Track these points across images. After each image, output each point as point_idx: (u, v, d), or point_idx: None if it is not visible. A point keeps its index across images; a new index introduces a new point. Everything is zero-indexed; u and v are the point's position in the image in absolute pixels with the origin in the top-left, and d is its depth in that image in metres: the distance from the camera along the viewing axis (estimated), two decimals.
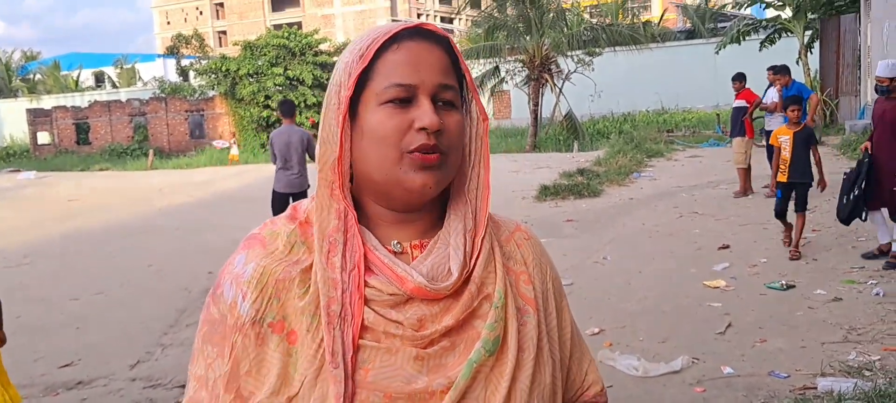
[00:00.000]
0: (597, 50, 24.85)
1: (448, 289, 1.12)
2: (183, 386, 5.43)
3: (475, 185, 1.20)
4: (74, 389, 5.63)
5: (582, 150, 21.83)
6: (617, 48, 25.23)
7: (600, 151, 19.71)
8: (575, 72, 24.60)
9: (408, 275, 1.11)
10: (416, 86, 1.11)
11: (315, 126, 29.09)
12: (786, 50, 23.46)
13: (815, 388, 4.64)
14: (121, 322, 7.28)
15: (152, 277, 9.12)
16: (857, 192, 7.32)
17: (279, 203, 9.09)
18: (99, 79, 54.36)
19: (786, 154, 7.92)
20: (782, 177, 7.92)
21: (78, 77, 52.61)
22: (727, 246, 8.49)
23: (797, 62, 22.59)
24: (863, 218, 7.42)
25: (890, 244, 7.23)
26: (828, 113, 21.93)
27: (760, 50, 22.99)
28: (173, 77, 44.78)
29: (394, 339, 1.10)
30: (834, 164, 14.56)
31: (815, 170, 8.04)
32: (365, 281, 1.11)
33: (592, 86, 25.69)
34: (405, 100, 1.11)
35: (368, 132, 1.11)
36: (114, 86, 49.71)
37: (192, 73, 39.62)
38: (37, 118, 37.94)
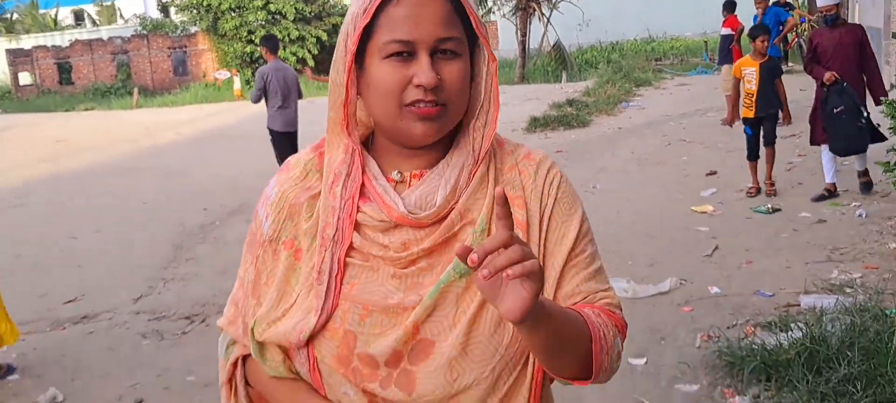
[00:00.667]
0: None
1: (429, 218, 1.21)
2: (187, 317, 5.59)
3: (483, 122, 1.26)
4: (80, 323, 5.76)
5: (571, 81, 21.82)
6: None
7: (589, 81, 19.74)
8: (562, 1, 24.41)
9: (394, 204, 1.21)
10: (415, 41, 1.16)
11: (300, 62, 28.88)
12: None
13: (799, 305, 4.83)
14: (120, 258, 7.39)
15: (147, 215, 9.20)
16: (864, 120, 6.89)
17: (289, 143, 8.79)
18: (79, 17, 53.44)
19: (751, 86, 7.51)
20: (749, 112, 7.52)
21: (56, 15, 51.72)
22: (715, 173, 8.64)
23: None
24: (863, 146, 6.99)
25: (834, 184, 7.20)
26: None
27: None
28: (154, 13, 44.12)
29: (377, 259, 1.22)
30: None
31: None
32: (358, 208, 1.23)
33: (580, 15, 25.51)
34: (406, 54, 1.16)
35: (373, 84, 1.19)
36: (94, 24, 48.93)
37: (172, 10, 39.02)
38: (17, 58, 37.37)
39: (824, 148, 7.18)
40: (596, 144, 11.51)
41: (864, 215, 6.57)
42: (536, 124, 13.35)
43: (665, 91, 17.46)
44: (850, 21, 19.10)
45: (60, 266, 7.34)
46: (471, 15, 1.21)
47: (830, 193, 7.18)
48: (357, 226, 1.23)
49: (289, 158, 1.36)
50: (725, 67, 12.10)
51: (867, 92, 7.15)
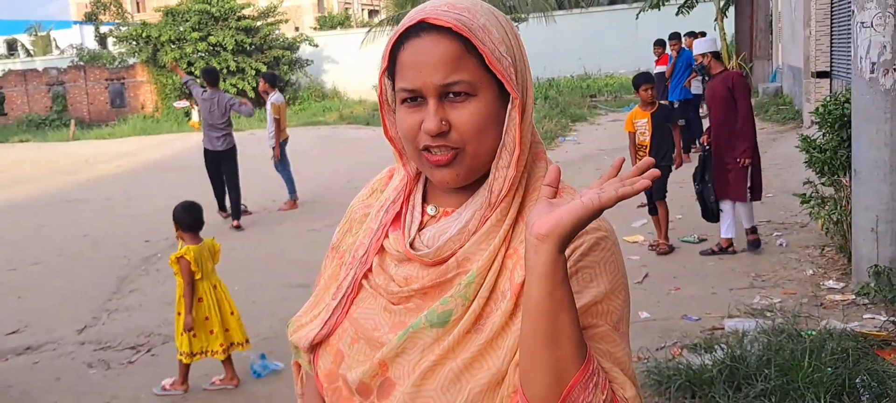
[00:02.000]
0: (521, 15, 25.25)
1: (428, 257, 1.20)
2: (132, 347, 5.64)
3: (505, 163, 1.18)
4: (24, 354, 5.77)
5: None
6: (539, 14, 25.64)
7: None
8: None
9: (402, 241, 1.24)
10: (420, 89, 1.15)
11: (240, 93, 28.78)
12: (703, 15, 24.24)
13: (723, 328, 5.14)
14: (62, 290, 7.38)
15: (88, 247, 9.16)
16: (698, 187, 6.84)
17: (208, 160, 9.89)
18: (11, 48, 52.30)
19: (644, 138, 7.28)
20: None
21: None
22: (645, 205, 8.99)
23: (714, 27, 23.40)
24: (718, 215, 6.81)
25: (730, 240, 6.78)
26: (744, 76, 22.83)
27: (677, 15, 23.70)
28: (91, 44, 43.48)
29: (378, 289, 1.25)
30: None
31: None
32: (387, 235, 1.27)
33: None
34: (418, 99, 1.17)
35: (399, 125, 1.23)
36: (28, 54, 47.97)
37: (111, 40, 38.53)
38: None
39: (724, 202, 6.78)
40: None
41: (784, 244, 6.97)
42: None
43: (600, 126, 17.99)
44: (776, 60, 20.02)
45: (1, 298, 7.29)
46: (483, 53, 1.14)
47: (722, 249, 6.78)
48: (381, 251, 1.27)
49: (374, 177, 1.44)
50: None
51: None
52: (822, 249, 6.58)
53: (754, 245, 6.77)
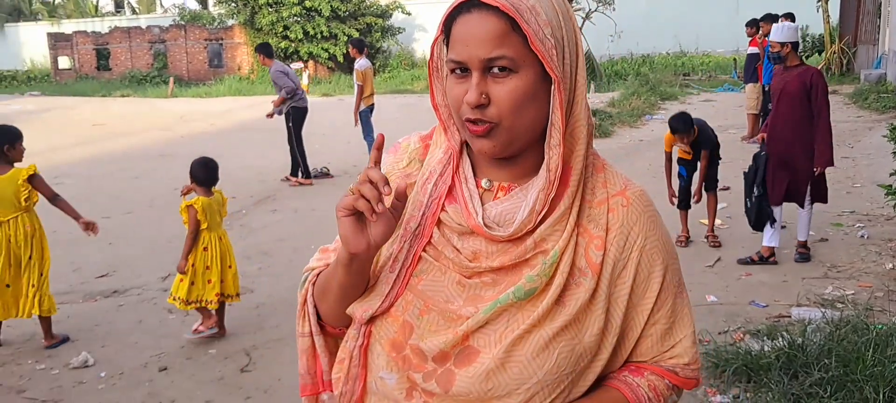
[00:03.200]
0: None
1: (502, 237, 1.25)
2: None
3: (556, 142, 1.24)
4: (111, 297, 6.13)
5: (599, 92, 21.99)
6: None
7: (616, 93, 19.92)
8: (596, 11, 24.57)
9: (474, 213, 1.27)
10: (465, 61, 1.21)
11: (331, 58, 29.23)
12: None
13: (789, 317, 5.05)
14: (150, 238, 7.77)
15: (177, 199, 9.54)
16: (758, 192, 6.20)
17: (299, 120, 10.65)
18: (119, 5, 54.37)
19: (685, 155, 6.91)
20: (685, 155, 6.89)
21: (98, 2, 52.73)
22: (727, 188, 8.81)
23: (817, 10, 22.51)
24: (771, 222, 6.19)
25: (772, 249, 6.22)
26: (845, 61, 21.94)
27: None
28: (193, 4, 44.84)
29: (448, 262, 1.28)
30: (844, 112, 14.80)
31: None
32: (443, 207, 1.29)
33: (613, 26, 25.66)
34: (465, 70, 1.22)
35: (448, 94, 1.28)
36: (134, 12, 49.81)
37: (211, 1, 39.71)
38: (57, 42, 38.25)
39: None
40: (615, 155, 11.73)
41: (866, 236, 6.76)
42: None
43: (690, 106, 17.56)
44: (881, 46, 19.17)
45: (93, 243, 7.70)
46: (527, 33, 1.19)
47: (763, 259, 6.23)
48: (438, 224, 1.30)
49: (403, 140, 1.46)
50: (749, 86, 12.32)
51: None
52: None
53: (803, 258, 6.18)
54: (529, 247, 1.25)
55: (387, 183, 1.18)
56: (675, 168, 6.99)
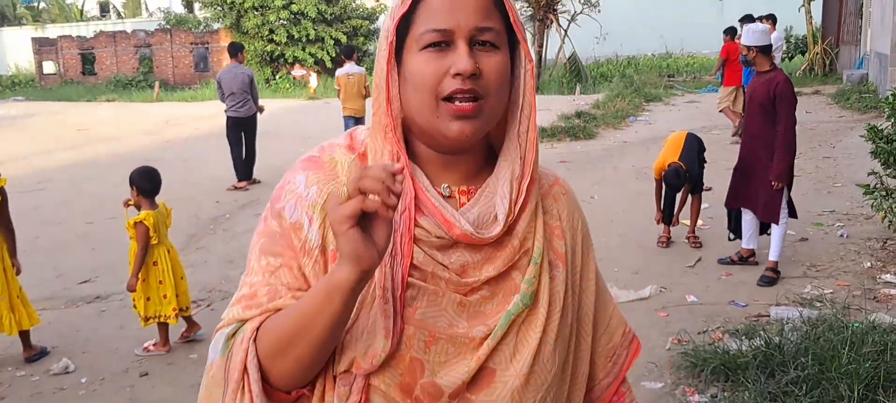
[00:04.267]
0: None
1: (492, 238, 1.17)
2: (193, 302, 5.92)
3: (525, 128, 1.20)
4: (93, 302, 6.12)
5: (585, 93, 22.07)
6: None
7: (601, 95, 19.99)
8: (581, 13, 24.67)
9: (455, 221, 1.14)
10: (452, 30, 1.11)
11: (318, 62, 29.23)
12: None
13: (768, 316, 5.10)
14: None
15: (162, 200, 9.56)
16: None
17: (230, 126, 10.91)
18: (104, 9, 54.16)
19: None
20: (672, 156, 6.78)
21: (82, 6, 52.50)
22: (710, 188, 8.86)
23: (799, 9, 22.68)
24: (736, 226, 6.25)
25: (751, 250, 6.12)
26: (828, 62, 22.10)
27: None
28: (178, 8, 44.71)
29: (439, 282, 1.15)
30: (826, 112, 14.93)
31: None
32: (416, 222, 1.15)
33: (598, 28, 25.78)
34: (444, 44, 1.12)
35: (410, 77, 1.14)
36: (119, 16, 49.64)
37: (197, 5, 39.58)
38: (42, 47, 38.05)
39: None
40: (599, 156, 11.79)
41: (845, 235, 6.82)
42: (543, 134, 13.63)
43: (674, 107, 17.69)
44: (863, 46, 19.32)
45: (76, 249, 7.71)
46: (510, 10, 1.17)
47: (743, 259, 6.16)
48: (415, 241, 1.15)
49: (314, 154, 1.25)
50: (721, 87, 13.03)
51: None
52: (885, 242, 6.44)
53: (767, 281, 5.74)
54: (516, 249, 1.19)
55: (395, 167, 1.01)
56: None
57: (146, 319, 4.92)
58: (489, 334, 1.16)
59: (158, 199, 5.15)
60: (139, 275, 4.86)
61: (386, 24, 1.18)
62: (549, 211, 1.28)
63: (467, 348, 1.15)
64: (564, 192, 1.33)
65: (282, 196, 1.21)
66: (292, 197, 1.19)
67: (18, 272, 4.94)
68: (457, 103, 1.12)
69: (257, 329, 1.13)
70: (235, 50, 11.06)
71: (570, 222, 1.31)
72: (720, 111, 12.78)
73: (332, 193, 1.17)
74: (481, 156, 1.23)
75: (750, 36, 5.97)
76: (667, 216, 6.90)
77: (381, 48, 1.18)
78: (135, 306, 5.02)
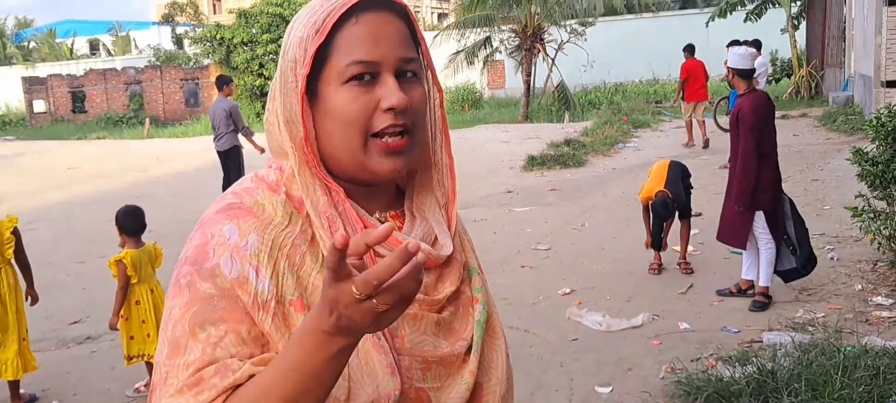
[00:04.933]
0: (589, 20, 25.10)
1: (444, 257, 1.18)
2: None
3: (440, 157, 1.22)
4: (84, 344, 6.08)
5: (573, 121, 22.17)
6: (610, 17, 25.51)
7: (589, 122, 20.09)
8: (568, 42, 24.86)
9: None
10: (379, 62, 1.07)
11: None
12: (772, 22, 23.74)
13: (761, 342, 5.11)
14: None
15: (152, 241, 9.53)
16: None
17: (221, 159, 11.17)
18: (94, 47, 54.35)
19: None
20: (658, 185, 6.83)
21: (72, 45, 52.65)
22: (699, 214, 8.91)
23: (782, 32, 22.93)
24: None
25: (750, 282, 6.02)
26: (813, 84, 22.30)
27: (745, 21, 23.30)
28: (168, 45, 44.89)
29: (413, 305, 1.10)
30: (813, 135, 15.03)
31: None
32: (375, 251, 1.09)
33: (585, 56, 25.97)
34: (368, 77, 1.08)
35: (332, 113, 1.08)
36: (109, 54, 49.79)
37: (186, 42, 39.75)
38: (32, 86, 38.11)
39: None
40: (589, 184, 11.83)
41: (836, 258, 6.85)
42: (533, 163, 13.68)
43: (662, 133, 17.78)
44: (848, 68, 19.52)
45: (67, 289, 7.67)
46: (421, 41, 1.16)
47: (741, 291, 6.06)
48: None
49: (234, 201, 1.12)
50: (683, 103, 15.04)
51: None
52: (874, 264, 6.46)
53: (758, 306, 5.74)
54: (461, 262, 1.22)
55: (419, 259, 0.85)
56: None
57: (129, 358, 4.88)
58: (468, 348, 1.16)
59: (151, 239, 5.13)
60: (121, 314, 4.81)
61: (293, 54, 1.10)
62: (460, 229, 1.30)
63: (455, 366, 1.15)
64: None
65: (209, 253, 1.05)
66: (225, 250, 1.05)
67: (35, 302, 4.94)
68: (388, 139, 1.09)
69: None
70: (221, 83, 11.15)
71: (469, 236, 1.32)
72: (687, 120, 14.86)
73: (275, 239, 1.07)
74: (393, 182, 1.23)
75: (732, 58, 6.03)
76: (656, 243, 6.90)
77: (288, 80, 1.11)
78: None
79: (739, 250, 6.27)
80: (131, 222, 4.90)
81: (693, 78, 14.58)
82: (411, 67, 1.11)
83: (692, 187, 7.11)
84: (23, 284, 4.88)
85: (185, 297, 1.04)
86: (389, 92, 1.07)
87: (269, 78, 30.25)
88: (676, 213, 6.84)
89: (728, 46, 13.47)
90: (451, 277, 1.19)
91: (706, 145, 14.24)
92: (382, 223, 1.16)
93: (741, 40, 12.95)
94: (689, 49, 14.96)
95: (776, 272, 5.89)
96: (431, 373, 1.12)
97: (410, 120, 1.10)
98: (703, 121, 14.54)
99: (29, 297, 4.93)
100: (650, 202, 6.78)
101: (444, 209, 1.22)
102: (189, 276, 1.05)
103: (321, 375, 0.91)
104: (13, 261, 4.83)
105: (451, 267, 1.20)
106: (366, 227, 1.12)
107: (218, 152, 11.05)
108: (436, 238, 1.19)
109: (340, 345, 0.90)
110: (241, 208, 1.10)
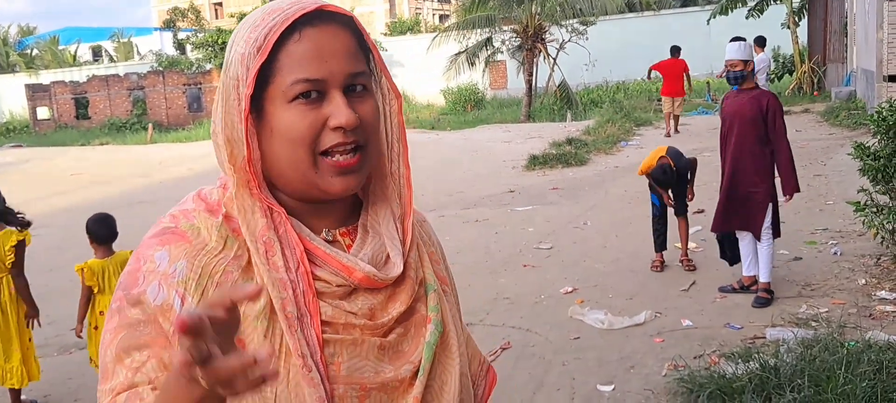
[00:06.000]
0: (591, 19, 25.06)
1: (393, 278, 1.12)
2: None
3: (397, 166, 1.18)
4: (85, 349, 6.05)
5: (575, 120, 22.15)
6: (610, 16, 25.49)
7: (591, 121, 20.06)
8: (569, 41, 24.83)
9: (354, 265, 1.08)
10: (325, 79, 1.04)
11: None
12: (773, 19, 23.68)
13: (764, 338, 5.08)
14: None
15: (129, 250, 9.53)
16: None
17: None
18: (96, 54, 54.43)
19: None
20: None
21: (75, 52, 52.71)
22: (702, 211, 8.87)
23: (783, 27, 22.90)
24: (731, 251, 6.11)
25: (753, 277, 5.95)
26: (815, 80, 22.25)
27: (747, 18, 23.24)
28: (170, 50, 44.94)
29: (354, 330, 1.08)
30: (816, 131, 14.99)
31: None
32: (313, 275, 1.07)
33: (587, 55, 25.94)
34: (314, 94, 1.05)
35: (278, 132, 1.06)
36: (111, 60, 49.87)
37: (188, 47, 39.80)
38: (36, 93, 38.19)
39: (743, 233, 5.99)
40: (591, 182, 11.80)
41: (839, 253, 6.81)
42: (535, 162, 13.66)
43: (664, 131, 17.73)
44: (850, 63, 19.47)
45: (69, 295, 7.64)
46: (372, 49, 1.13)
47: (744, 287, 6.02)
48: (318, 296, 1.07)
49: (166, 224, 1.12)
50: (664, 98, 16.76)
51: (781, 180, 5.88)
52: (878, 259, 6.43)
53: (761, 303, 5.70)
54: (414, 280, 1.16)
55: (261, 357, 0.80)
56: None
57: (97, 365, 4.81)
58: (416, 371, 1.12)
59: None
60: (91, 323, 4.70)
61: (234, 72, 1.07)
62: (422, 240, 1.24)
63: (399, 391, 1.10)
64: (423, 220, 1.29)
65: (139, 279, 1.06)
66: (154, 277, 1.05)
67: (32, 317, 4.87)
68: (338, 158, 1.06)
69: None
70: None
71: (438, 247, 1.29)
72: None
73: (205, 265, 1.06)
74: (350, 196, 1.16)
75: (741, 50, 5.98)
76: (659, 243, 6.87)
77: (230, 97, 1.07)
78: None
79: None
80: (102, 230, 4.78)
81: (667, 76, 16.64)
82: (360, 81, 1.08)
83: (694, 173, 7.08)
84: (34, 279, 4.83)
85: (114, 322, 1.05)
86: (337, 110, 1.04)
87: None
88: (675, 212, 6.82)
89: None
90: (402, 296, 1.14)
91: (668, 135, 16.00)
92: (329, 242, 1.13)
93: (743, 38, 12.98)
94: (673, 50, 17.12)
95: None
96: (370, 401, 1.08)
97: (361, 136, 1.07)
98: (678, 116, 16.72)
99: (28, 319, 4.83)
100: (650, 171, 6.74)
101: (400, 221, 1.17)
102: (119, 302, 1.06)
103: None
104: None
105: (403, 286, 1.14)
106: (307, 249, 1.09)
107: None
108: (387, 256, 1.14)
109: (199, 395, 0.83)
110: (175, 233, 1.09)
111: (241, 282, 1.06)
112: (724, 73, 6.06)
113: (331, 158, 1.06)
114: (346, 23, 1.09)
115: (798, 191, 5.89)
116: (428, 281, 1.19)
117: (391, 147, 1.17)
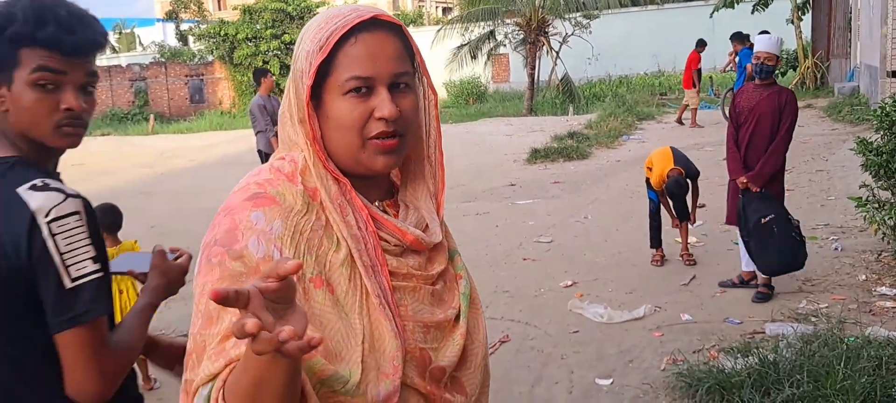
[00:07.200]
0: (594, 12, 24.97)
1: (434, 242, 1.36)
2: (186, 334, 5.90)
3: (433, 151, 1.40)
4: None
5: (577, 114, 22.11)
6: (614, 10, 25.42)
7: (593, 115, 20.03)
8: (572, 35, 24.76)
9: (407, 229, 1.32)
10: (374, 77, 1.25)
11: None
12: (778, 13, 23.60)
13: (764, 333, 5.07)
14: None
15: (155, 237, 9.53)
16: (795, 231, 5.69)
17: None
18: None
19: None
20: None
21: None
22: (703, 206, 8.85)
23: (788, 22, 22.80)
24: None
25: (753, 272, 5.90)
26: (819, 75, 22.18)
27: (752, 12, 23.16)
28: (173, 42, 44.90)
29: (413, 279, 1.32)
30: (819, 126, 14.95)
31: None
32: (379, 234, 1.30)
33: (590, 49, 25.87)
34: (364, 89, 1.25)
35: (333, 119, 1.27)
36: (114, 51, 49.78)
37: (191, 38, 39.74)
38: None
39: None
40: (592, 176, 11.79)
41: (840, 248, 6.80)
42: (537, 155, 13.64)
43: (667, 125, 17.70)
44: (853, 59, 19.42)
45: None
46: (416, 53, 1.34)
47: (744, 282, 6.04)
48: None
49: (259, 190, 1.27)
50: (687, 91, 16.84)
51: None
52: (879, 254, 6.41)
53: (761, 298, 5.71)
54: (446, 245, 1.43)
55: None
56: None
57: None
58: (457, 315, 1.37)
59: (155, 234, 5.06)
60: None
61: (301, 66, 1.28)
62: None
63: (448, 330, 1.35)
64: None
65: (238, 236, 1.21)
66: (253, 234, 1.21)
67: None
68: (382, 139, 1.27)
69: (225, 382, 1.09)
70: (257, 77, 10.82)
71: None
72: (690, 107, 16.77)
73: (297, 225, 1.26)
74: (388, 177, 1.42)
75: (774, 44, 5.88)
76: (655, 239, 6.89)
77: (299, 86, 1.29)
78: None
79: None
80: (107, 219, 4.70)
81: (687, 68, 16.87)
82: (404, 80, 1.28)
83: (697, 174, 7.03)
84: None
85: (216, 274, 1.18)
86: (382, 104, 1.25)
87: (273, 74, 30.26)
88: (678, 218, 6.85)
89: (732, 39, 13.62)
90: (440, 258, 1.39)
91: (692, 125, 16.51)
92: (383, 211, 1.35)
93: (744, 32, 12.96)
94: (698, 43, 16.70)
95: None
96: (430, 336, 1.32)
97: (401, 125, 1.28)
98: (685, 106, 17.11)
99: None
100: (665, 186, 6.67)
101: (434, 197, 1.41)
102: (220, 256, 1.20)
103: (265, 372, 1.01)
104: None
105: (438, 249, 1.40)
106: (371, 214, 1.30)
107: (257, 151, 10.63)
108: (426, 225, 1.36)
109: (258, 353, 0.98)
110: (266, 197, 1.26)
111: (325, 239, 1.26)
112: (754, 65, 5.87)
113: (375, 140, 1.27)
114: (395, 30, 1.29)
115: (763, 186, 5.68)
116: (452, 247, 1.47)
117: (428, 135, 1.40)
